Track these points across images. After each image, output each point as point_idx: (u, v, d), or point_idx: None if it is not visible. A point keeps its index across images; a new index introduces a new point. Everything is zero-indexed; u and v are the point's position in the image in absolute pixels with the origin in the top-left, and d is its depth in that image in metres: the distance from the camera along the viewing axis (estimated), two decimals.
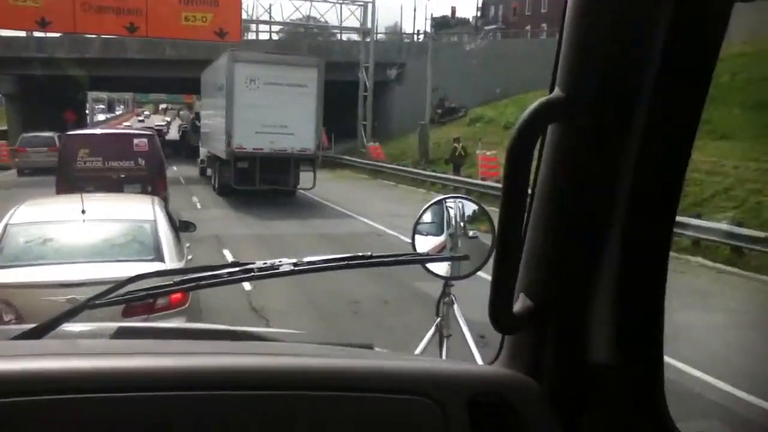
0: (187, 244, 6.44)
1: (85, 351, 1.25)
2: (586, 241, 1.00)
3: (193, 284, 1.49)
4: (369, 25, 29.84)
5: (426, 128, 27.29)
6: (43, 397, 0.95)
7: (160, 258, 5.29)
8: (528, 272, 1.06)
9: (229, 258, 10.08)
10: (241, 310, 7.42)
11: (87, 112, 60.09)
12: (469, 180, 20.95)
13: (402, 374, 1.12)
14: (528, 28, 49.71)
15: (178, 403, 0.99)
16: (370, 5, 29.75)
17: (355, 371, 1.12)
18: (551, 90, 0.97)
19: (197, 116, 33.36)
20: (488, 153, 22.14)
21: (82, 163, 12.32)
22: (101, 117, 73.81)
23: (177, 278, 1.51)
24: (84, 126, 38.11)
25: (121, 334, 1.46)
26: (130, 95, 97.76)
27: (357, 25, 30.23)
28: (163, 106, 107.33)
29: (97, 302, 1.40)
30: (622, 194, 0.96)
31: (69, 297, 4.27)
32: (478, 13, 58.28)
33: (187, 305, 4.98)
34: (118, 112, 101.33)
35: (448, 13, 39.86)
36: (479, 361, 2.28)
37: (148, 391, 0.98)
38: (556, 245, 1.04)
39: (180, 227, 6.42)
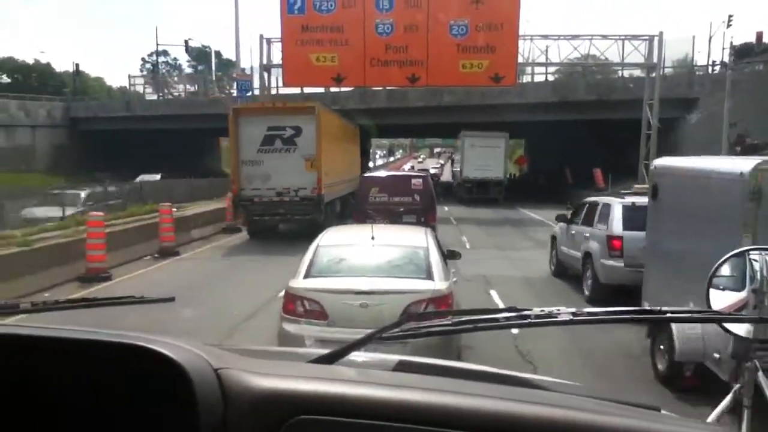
0: (453, 270, 7.52)
1: (372, 380, 1.33)
2: None
3: (470, 326, 1.51)
4: (655, 59, 27.70)
5: None
6: (334, 418, 1.04)
7: (430, 277, 6.51)
8: None
9: (496, 298, 10.60)
10: (507, 351, 7.39)
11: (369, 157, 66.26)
12: None
13: None
14: None
15: None
16: (656, 39, 27.61)
17: None
18: None
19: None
20: None
21: (373, 198, 15.66)
22: (380, 161, 79.77)
23: (456, 318, 1.56)
24: (366, 169, 41.26)
25: (401, 366, 1.61)
26: (408, 140, 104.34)
27: (641, 60, 28.26)
28: (437, 150, 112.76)
29: (383, 336, 1.48)
30: None
31: (361, 302, 6.05)
32: None
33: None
34: (397, 156, 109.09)
35: (752, 39, 35.33)
36: None
37: (423, 424, 1.03)
38: None
39: (447, 255, 7.58)
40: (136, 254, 14.80)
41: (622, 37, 28.08)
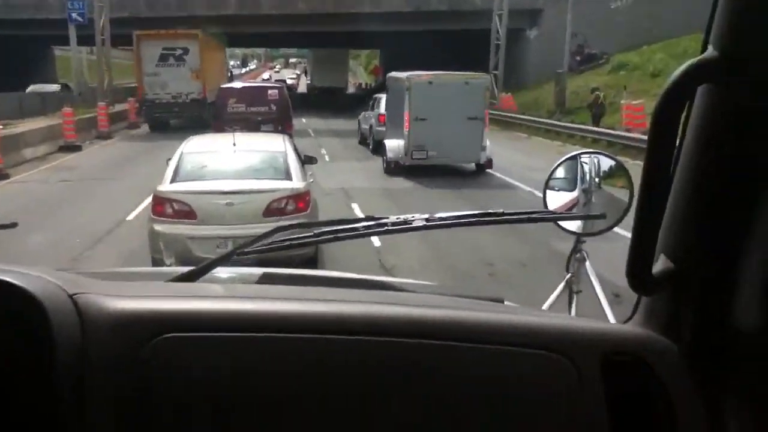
0: (310, 172, 8.13)
1: (235, 294, 1.34)
2: (734, 205, 0.97)
3: (331, 236, 1.53)
4: None
5: (563, 76, 25.63)
6: (199, 333, 1.04)
7: (288, 177, 7.09)
8: (670, 233, 1.04)
9: (358, 212, 10.52)
10: (373, 268, 7.53)
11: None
12: (611, 131, 19.55)
13: (534, 329, 1.12)
14: None
15: (313, 345, 1.05)
16: None
17: (487, 323, 1.13)
18: (704, 48, 0.92)
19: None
20: (634, 102, 20.46)
21: (231, 108, 16.59)
22: (236, 72, 76.93)
23: (316, 230, 1.58)
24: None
25: (265, 279, 1.61)
26: (262, 50, 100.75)
27: None
28: (292, 60, 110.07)
29: (245, 251, 1.48)
30: None
31: (227, 201, 6.63)
32: None
33: (308, 211, 6.84)
34: (251, 67, 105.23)
35: None
36: (611, 319, 2.14)
37: (288, 332, 1.05)
38: (702, 209, 1.01)
39: (304, 160, 8.13)
40: None
41: None
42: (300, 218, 6.54)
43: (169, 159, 7.53)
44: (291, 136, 10.40)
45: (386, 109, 17.00)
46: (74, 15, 26.24)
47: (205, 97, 24.52)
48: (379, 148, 16.66)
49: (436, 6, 33.58)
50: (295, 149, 8.07)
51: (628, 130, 18.91)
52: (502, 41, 29.12)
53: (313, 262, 6.59)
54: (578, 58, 29.36)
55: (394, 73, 16.82)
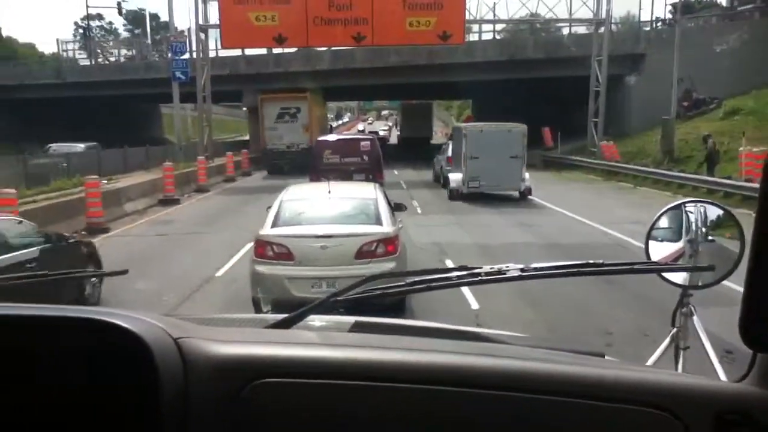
0: (399, 218, 8.38)
1: (329, 342, 1.36)
2: None
3: (423, 286, 1.52)
4: (603, 14, 27.30)
5: (671, 123, 24.07)
6: (294, 380, 1.07)
7: (379, 223, 7.56)
8: None
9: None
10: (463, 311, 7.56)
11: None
12: (728, 181, 17.89)
13: (638, 385, 1.08)
14: None
15: (405, 395, 1.05)
16: None
17: (589, 377, 1.09)
18: None
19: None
20: (755, 150, 18.76)
21: (326, 159, 17.50)
22: (332, 124, 78.93)
23: (410, 279, 1.56)
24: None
25: (357, 327, 1.64)
26: (355, 103, 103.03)
27: (589, 15, 27.85)
28: (384, 112, 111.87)
29: (339, 298, 1.49)
30: None
31: (321, 245, 7.11)
32: None
33: (397, 254, 7.28)
34: (345, 120, 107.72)
35: None
36: (722, 377, 2.03)
37: (382, 381, 1.06)
38: None
39: (394, 207, 8.51)
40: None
41: None
42: (389, 261, 7.20)
43: (269, 207, 8.08)
44: (382, 185, 10.79)
45: (451, 152, 21.16)
46: (177, 73, 27.34)
47: (312, 146, 27.83)
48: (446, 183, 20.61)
49: (531, 54, 32.90)
50: (386, 196, 8.51)
51: (748, 180, 17.27)
52: (602, 88, 27.91)
53: (401, 302, 7.09)
54: (685, 103, 27.72)
55: (456, 124, 22.71)
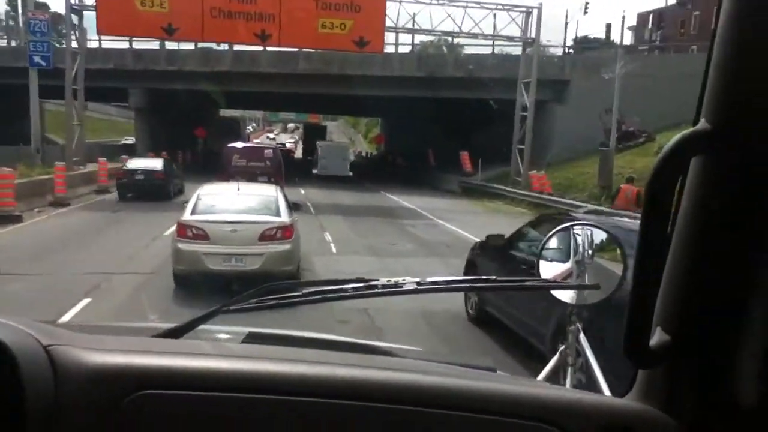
0: (295, 214, 10.08)
1: (219, 352, 1.30)
2: (732, 276, 0.96)
3: (319, 297, 1.52)
4: (532, 34, 25.20)
5: (610, 155, 21.95)
6: (179, 392, 1.02)
7: (278, 214, 9.44)
8: (666, 306, 1.03)
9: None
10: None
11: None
12: None
13: (528, 400, 1.10)
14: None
15: (297, 408, 1.03)
16: (535, 11, 25.08)
17: (479, 392, 1.10)
18: (696, 121, 0.95)
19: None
20: None
21: (235, 163, 19.57)
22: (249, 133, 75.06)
23: (305, 290, 1.56)
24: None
25: (251, 338, 1.57)
26: (261, 114, 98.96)
27: (516, 33, 25.66)
28: (290, 125, 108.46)
29: (231, 308, 1.47)
30: None
31: (231, 229, 8.97)
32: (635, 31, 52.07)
33: (292, 239, 9.26)
34: (248, 130, 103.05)
35: (603, 31, 33.87)
36: (607, 392, 2.15)
37: (272, 394, 1.04)
38: (699, 280, 1.00)
39: (293, 206, 10.38)
40: None
41: (498, 7, 25.23)
42: (286, 243, 9.16)
43: (185, 201, 9.81)
44: (282, 187, 11.96)
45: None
46: (36, 58, 22.70)
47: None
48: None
49: (451, 72, 30.44)
50: (285, 195, 10.25)
51: None
52: (529, 113, 25.73)
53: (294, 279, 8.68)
54: (616, 136, 25.91)
55: (319, 142, 42.06)
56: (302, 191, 25.25)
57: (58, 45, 26.53)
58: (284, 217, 9.32)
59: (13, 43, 42.26)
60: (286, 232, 9.13)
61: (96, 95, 40.66)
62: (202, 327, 1.50)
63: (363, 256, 12.90)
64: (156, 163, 22.45)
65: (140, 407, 1.00)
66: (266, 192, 10.42)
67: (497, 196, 25.57)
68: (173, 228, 9.51)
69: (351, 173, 38.12)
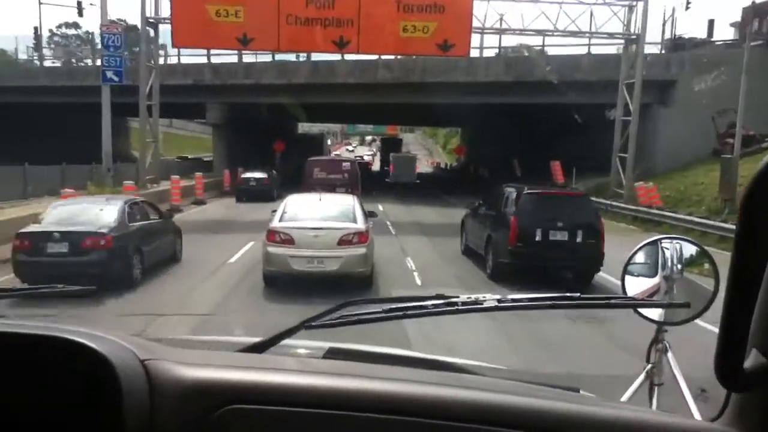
0: (371, 221, 11.29)
1: (303, 368, 1.30)
2: None
3: (399, 314, 1.49)
4: (633, 29, 22.73)
5: (734, 164, 19.13)
6: (265, 407, 1.05)
7: (355, 221, 10.57)
8: (763, 326, 0.97)
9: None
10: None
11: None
12: None
13: (612, 422, 1.08)
14: None
15: (379, 425, 1.03)
16: (639, 4, 22.56)
17: (564, 414, 1.08)
18: None
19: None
20: None
21: (316, 175, 21.03)
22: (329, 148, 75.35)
23: (385, 306, 1.54)
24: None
25: (332, 353, 1.63)
26: (338, 127, 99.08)
27: (615, 30, 23.24)
28: (368, 138, 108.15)
29: (312, 324, 1.47)
30: None
31: (314, 234, 10.16)
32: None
33: (367, 243, 10.34)
34: (327, 143, 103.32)
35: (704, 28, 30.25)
36: (697, 416, 1.89)
37: (355, 411, 1.04)
38: None
39: (368, 214, 11.37)
40: None
41: (598, 1, 22.86)
42: (362, 247, 10.20)
43: (274, 210, 11.27)
44: (359, 197, 12.95)
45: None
46: (109, 74, 22.05)
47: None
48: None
49: (542, 76, 28.23)
50: (361, 204, 11.51)
51: None
52: (633, 117, 23.15)
53: (368, 281, 10.49)
54: (730, 140, 23.01)
55: (393, 154, 46.49)
56: (380, 207, 23.71)
57: (129, 62, 25.86)
58: (360, 224, 10.48)
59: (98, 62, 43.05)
60: (361, 237, 10.24)
61: (175, 111, 40.72)
62: (284, 342, 1.51)
63: (453, 288, 10.97)
64: (263, 173, 28.24)
65: (229, 421, 1.03)
66: (344, 201, 11.57)
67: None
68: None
69: (419, 180, 42.68)
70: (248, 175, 27.97)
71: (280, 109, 36.81)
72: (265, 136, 39.88)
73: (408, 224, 20.05)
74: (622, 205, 22.04)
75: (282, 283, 10.35)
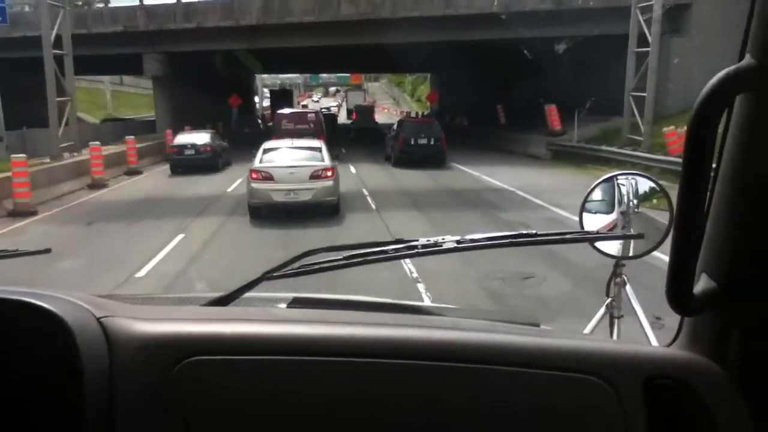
0: (336, 161, 13.35)
1: (267, 318, 1.30)
2: None
3: (360, 260, 1.48)
4: None
5: None
6: (229, 357, 1.04)
7: (323, 160, 12.70)
8: (711, 252, 1.01)
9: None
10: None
11: (257, 100, 60.32)
12: None
13: (572, 353, 1.10)
14: None
15: (345, 368, 1.04)
16: None
17: (524, 347, 1.11)
18: (741, 57, 0.91)
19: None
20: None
21: (284, 126, 23.44)
22: (266, 104, 69.89)
23: (346, 253, 1.52)
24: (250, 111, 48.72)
25: (296, 303, 1.58)
26: (300, 78, 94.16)
27: None
28: (332, 89, 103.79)
29: (274, 275, 1.46)
30: None
31: (290, 171, 12.27)
32: None
33: (334, 176, 12.44)
34: (295, 97, 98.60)
35: None
36: (654, 343, 2.08)
37: (321, 356, 1.05)
38: (744, 224, 0.98)
39: (333, 156, 13.37)
40: None
41: None
42: (329, 180, 12.27)
43: (253, 157, 13.14)
44: (324, 141, 15.00)
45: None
46: None
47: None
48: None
49: (535, 5, 24.07)
50: (327, 147, 13.55)
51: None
52: (652, 48, 19.27)
53: (336, 208, 12.47)
54: None
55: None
56: (353, 169, 19.87)
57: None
58: (327, 162, 12.70)
59: None
60: (329, 172, 12.42)
61: (107, 66, 35.59)
62: (248, 294, 1.49)
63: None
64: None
65: (191, 373, 1.02)
66: (313, 144, 13.89)
67: (605, 161, 19.39)
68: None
69: (378, 123, 46.12)
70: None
71: (233, 59, 32.20)
72: (218, 89, 35.28)
73: (391, 194, 16.17)
74: (647, 155, 18.28)
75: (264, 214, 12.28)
